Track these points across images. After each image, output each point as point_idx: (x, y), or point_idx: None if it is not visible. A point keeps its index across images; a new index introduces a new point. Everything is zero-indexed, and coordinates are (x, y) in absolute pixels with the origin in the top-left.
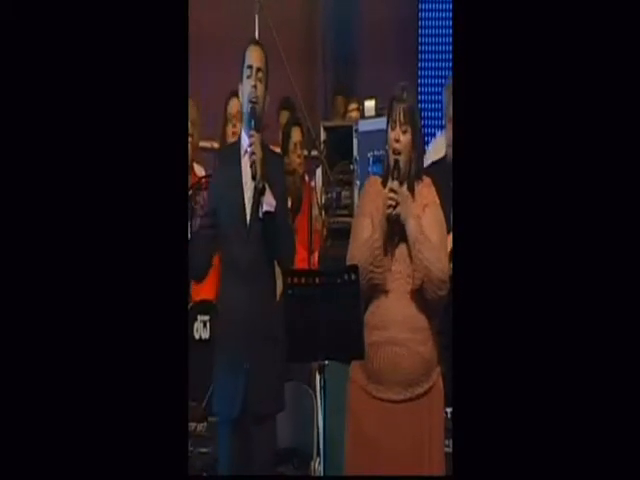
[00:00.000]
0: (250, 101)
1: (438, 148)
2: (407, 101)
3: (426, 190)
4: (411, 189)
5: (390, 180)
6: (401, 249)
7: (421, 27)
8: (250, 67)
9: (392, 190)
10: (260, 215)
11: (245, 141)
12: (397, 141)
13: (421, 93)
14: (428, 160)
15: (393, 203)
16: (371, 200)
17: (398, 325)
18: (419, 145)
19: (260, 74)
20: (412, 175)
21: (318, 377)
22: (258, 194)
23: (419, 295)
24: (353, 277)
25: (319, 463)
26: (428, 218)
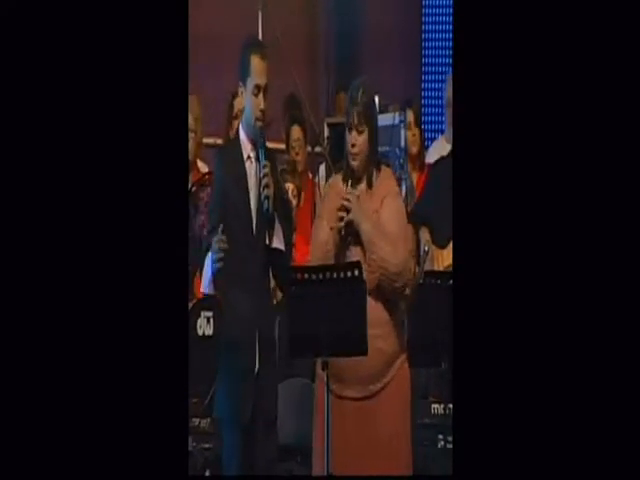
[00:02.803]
0: (257, 119)
1: (442, 146)
2: (362, 102)
3: (385, 182)
4: (369, 184)
5: (346, 183)
6: (357, 248)
7: (424, 23)
8: (258, 86)
9: (345, 198)
10: (268, 244)
11: (246, 144)
12: (353, 146)
13: (424, 89)
14: (434, 157)
15: (344, 215)
16: (330, 201)
17: None
18: (375, 139)
19: (266, 92)
20: (370, 169)
21: (321, 373)
22: (268, 224)
23: (378, 290)
24: (356, 273)
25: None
26: (386, 211)
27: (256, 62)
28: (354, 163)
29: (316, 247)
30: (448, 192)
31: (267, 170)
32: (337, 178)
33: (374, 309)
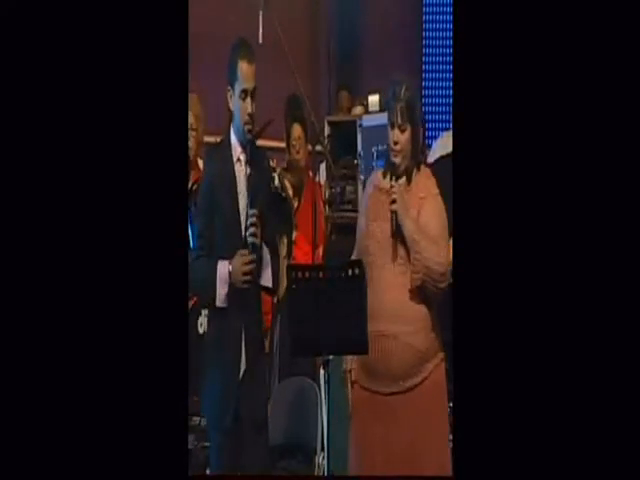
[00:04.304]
0: (246, 123)
1: (445, 143)
2: (404, 98)
3: (423, 182)
4: (409, 181)
5: (387, 178)
6: (399, 244)
7: (426, 22)
8: (245, 91)
9: (391, 191)
10: (258, 280)
11: (236, 146)
12: (396, 143)
13: (425, 88)
14: (435, 155)
15: (392, 208)
16: (370, 195)
17: (390, 317)
18: (419, 138)
19: (254, 96)
20: (410, 167)
21: (322, 371)
22: (258, 260)
23: (418, 290)
24: (357, 271)
25: (323, 458)
26: (426, 210)
27: (244, 67)
28: (395, 160)
29: (359, 240)
30: (448, 191)
31: (254, 220)
32: (377, 175)
33: (409, 306)
